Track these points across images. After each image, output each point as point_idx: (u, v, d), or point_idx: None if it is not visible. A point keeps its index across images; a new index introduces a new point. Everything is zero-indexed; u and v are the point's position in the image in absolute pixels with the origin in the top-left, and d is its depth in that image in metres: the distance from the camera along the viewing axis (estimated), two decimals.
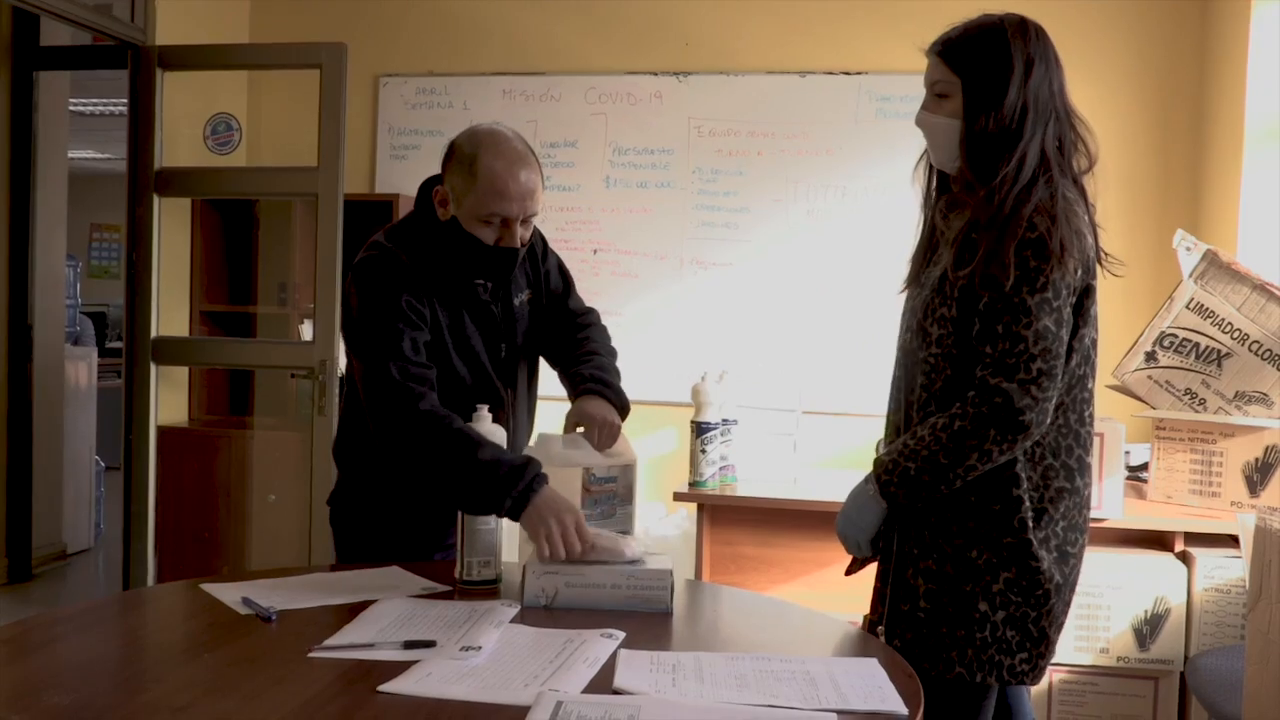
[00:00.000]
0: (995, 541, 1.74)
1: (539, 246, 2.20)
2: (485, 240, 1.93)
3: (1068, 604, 1.83)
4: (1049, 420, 1.72)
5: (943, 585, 1.77)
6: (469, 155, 1.92)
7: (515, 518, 1.76)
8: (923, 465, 1.73)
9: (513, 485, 1.74)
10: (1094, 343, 1.81)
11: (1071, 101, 1.80)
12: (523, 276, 2.14)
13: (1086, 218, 1.77)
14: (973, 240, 1.73)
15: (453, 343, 1.99)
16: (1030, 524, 1.74)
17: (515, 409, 2.12)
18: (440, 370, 1.95)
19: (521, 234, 1.95)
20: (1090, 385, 1.81)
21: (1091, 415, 1.82)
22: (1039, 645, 1.78)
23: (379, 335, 1.90)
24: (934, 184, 1.90)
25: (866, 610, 1.93)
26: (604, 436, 1.96)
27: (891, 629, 1.81)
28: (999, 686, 1.82)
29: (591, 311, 2.27)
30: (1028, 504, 1.74)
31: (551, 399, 2.33)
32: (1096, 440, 2.69)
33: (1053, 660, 1.87)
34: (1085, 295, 1.75)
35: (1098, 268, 1.81)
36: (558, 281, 2.22)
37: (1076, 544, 1.80)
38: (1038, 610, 1.76)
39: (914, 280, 1.89)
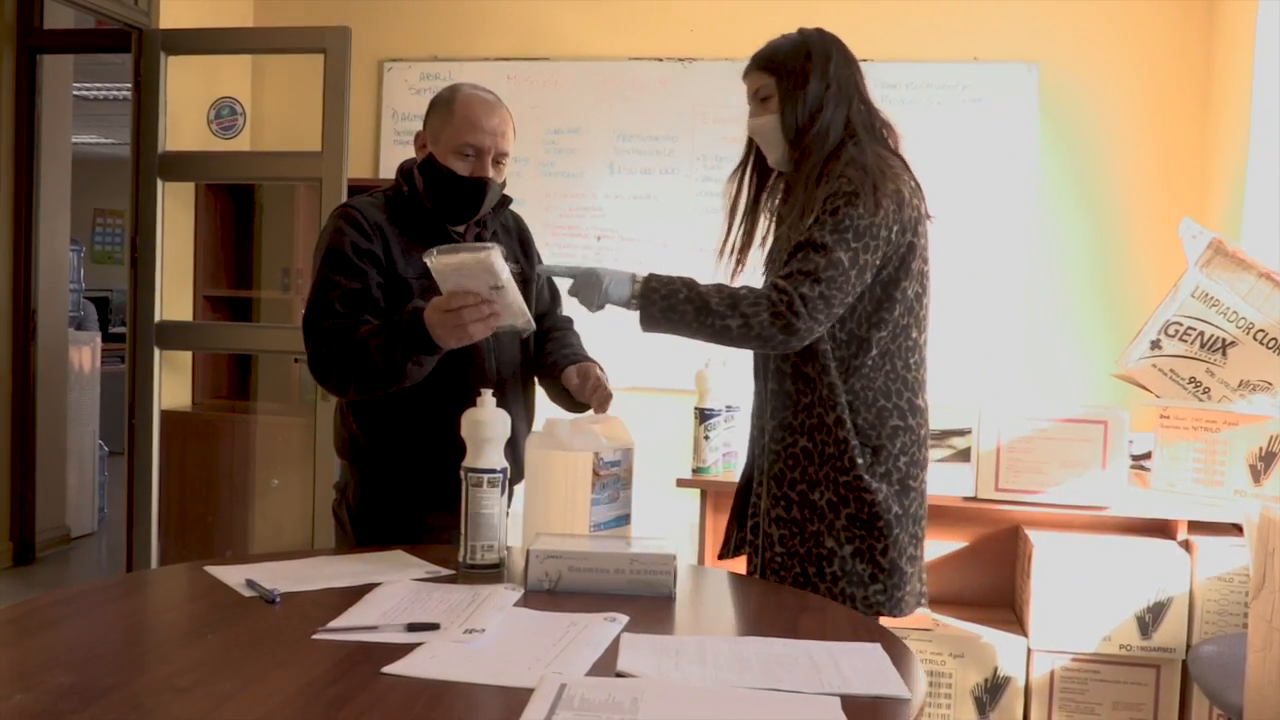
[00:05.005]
0: (834, 482, 1.89)
1: (534, 249, 2.30)
2: (460, 172, 2.06)
3: (916, 537, 1.94)
4: (814, 335, 1.83)
5: (793, 529, 1.93)
6: (447, 97, 2.10)
7: (430, 351, 1.88)
8: (692, 295, 1.86)
9: (400, 331, 1.88)
10: (918, 296, 1.92)
11: (868, 95, 2.01)
12: (505, 247, 2.18)
13: (913, 183, 1.92)
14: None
15: (420, 290, 2.04)
16: (862, 460, 1.88)
17: (508, 388, 2.12)
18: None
19: (493, 172, 2.08)
20: (915, 336, 1.93)
21: (919, 362, 1.95)
22: (891, 576, 1.90)
23: (317, 285, 2.04)
24: (754, 191, 2.11)
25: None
26: (602, 394, 2.08)
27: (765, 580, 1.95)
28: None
29: (571, 320, 2.38)
30: (856, 443, 1.87)
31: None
32: (1100, 429, 2.69)
33: (915, 595, 1.94)
34: (909, 252, 1.87)
35: (926, 227, 1.92)
36: (545, 298, 2.32)
37: (918, 478, 1.94)
38: (883, 542, 1.88)
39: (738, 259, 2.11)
